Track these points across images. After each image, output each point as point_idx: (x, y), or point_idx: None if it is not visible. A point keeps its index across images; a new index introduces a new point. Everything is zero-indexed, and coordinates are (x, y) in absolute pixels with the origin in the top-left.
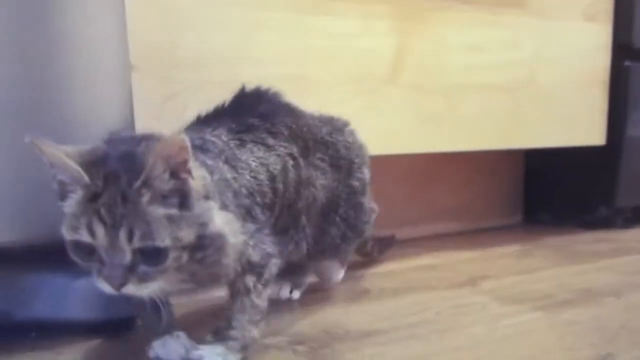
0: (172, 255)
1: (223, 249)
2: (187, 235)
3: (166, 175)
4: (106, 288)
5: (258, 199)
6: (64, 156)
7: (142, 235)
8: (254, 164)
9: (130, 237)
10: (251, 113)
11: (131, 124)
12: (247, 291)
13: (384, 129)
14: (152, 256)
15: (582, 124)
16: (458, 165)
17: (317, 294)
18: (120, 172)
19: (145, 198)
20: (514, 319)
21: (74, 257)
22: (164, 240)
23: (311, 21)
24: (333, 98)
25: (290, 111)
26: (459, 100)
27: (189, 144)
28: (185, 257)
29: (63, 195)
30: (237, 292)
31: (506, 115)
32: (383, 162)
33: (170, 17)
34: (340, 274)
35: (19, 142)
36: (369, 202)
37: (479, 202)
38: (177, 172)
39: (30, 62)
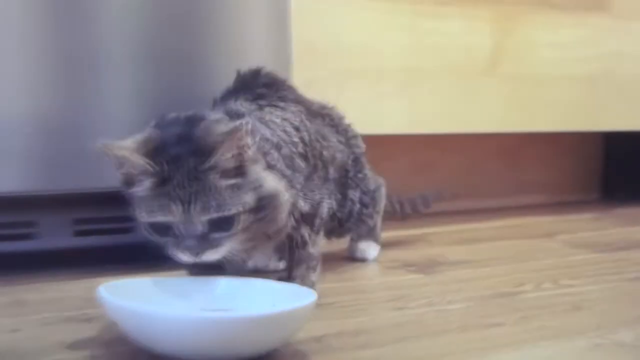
0: (239, 220)
1: (279, 206)
2: (250, 199)
3: (231, 155)
4: (186, 257)
5: (293, 148)
6: (129, 153)
7: (217, 207)
8: (277, 120)
9: (205, 211)
10: (256, 85)
11: None
12: (304, 243)
13: (481, 111)
14: (223, 224)
15: None
16: (543, 146)
17: (424, 236)
18: (183, 154)
19: (214, 175)
20: (578, 257)
21: (150, 236)
22: (234, 208)
23: (426, 23)
24: (441, 85)
25: (285, 84)
26: (545, 89)
27: (250, 126)
28: (249, 219)
29: (129, 184)
30: (295, 244)
31: (586, 102)
32: (478, 140)
33: (313, 17)
34: (375, 250)
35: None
36: (372, 174)
37: (561, 179)
38: (240, 150)
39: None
